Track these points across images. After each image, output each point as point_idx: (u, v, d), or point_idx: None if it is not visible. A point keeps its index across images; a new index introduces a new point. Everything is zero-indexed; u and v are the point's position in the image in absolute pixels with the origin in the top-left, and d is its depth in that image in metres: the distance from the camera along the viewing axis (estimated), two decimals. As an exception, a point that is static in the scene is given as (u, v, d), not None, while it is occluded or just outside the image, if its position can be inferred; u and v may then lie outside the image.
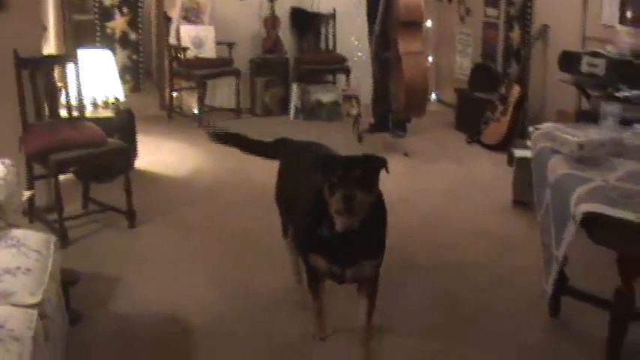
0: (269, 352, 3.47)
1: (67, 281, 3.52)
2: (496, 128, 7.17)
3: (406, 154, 6.95)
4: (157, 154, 6.93)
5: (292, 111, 8.73)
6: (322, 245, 3.14)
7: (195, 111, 8.40)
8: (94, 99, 6.01)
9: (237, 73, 8.35)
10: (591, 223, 2.54)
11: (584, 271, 3.87)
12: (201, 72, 8.13)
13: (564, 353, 3.50)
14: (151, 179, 6.25)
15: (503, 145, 6.89)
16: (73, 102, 5.19)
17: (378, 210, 3.14)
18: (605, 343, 2.87)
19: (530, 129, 3.90)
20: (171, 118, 8.50)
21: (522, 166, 5.21)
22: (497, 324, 3.76)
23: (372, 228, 3.10)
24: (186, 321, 3.76)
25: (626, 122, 3.62)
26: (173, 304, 3.93)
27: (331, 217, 3.00)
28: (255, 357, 3.44)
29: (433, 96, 9.31)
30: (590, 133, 3.14)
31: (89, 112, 5.77)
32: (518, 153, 5.53)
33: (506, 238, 4.94)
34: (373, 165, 3.04)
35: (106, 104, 6.08)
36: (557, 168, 3.00)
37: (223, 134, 4.29)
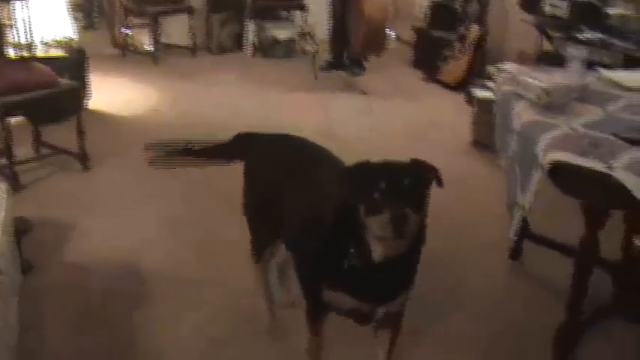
0: (229, 301, 3.41)
1: (20, 230, 3.41)
2: (455, 67, 7.12)
3: (363, 92, 6.90)
4: (111, 94, 6.75)
5: (248, 48, 8.59)
6: (347, 279, 2.37)
7: (149, 48, 8.22)
8: (44, 38, 5.85)
9: (190, 10, 8.17)
10: (558, 171, 2.50)
11: (545, 216, 3.87)
12: (154, 9, 7.95)
13: (526, 295, 3.51)
14: (104, 120, 6.10)
15: (461, 85, 6.86)
16: (22, 41, 5.02)
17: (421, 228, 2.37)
18: (570, 290, 2.86)
19: (492, 69, 3.83)
20: (125, 56, 8.30)
21: (483, 107, 5.17)
22: (457, 266, 3.76)
23: (414, 250, 2.41)
24: (142, 268, 3.68)
25: (588, 66, 3.58)
26: (129, 251, 3.85)
27: (366, 242, 2.27)
28: (214, 305, 3.37)
29: (391, 34, 9.22)
30: (556, 78, 3.09)
31: (39, 51, 5.61)
32: (479, 93, 5.47)
33: (466, 179, 4.90)
34: (423, 174, 2.35)
35: (56, 43, 5.91)
36: (523, 114, 2.95)
37: (166, 155, 3.26)
